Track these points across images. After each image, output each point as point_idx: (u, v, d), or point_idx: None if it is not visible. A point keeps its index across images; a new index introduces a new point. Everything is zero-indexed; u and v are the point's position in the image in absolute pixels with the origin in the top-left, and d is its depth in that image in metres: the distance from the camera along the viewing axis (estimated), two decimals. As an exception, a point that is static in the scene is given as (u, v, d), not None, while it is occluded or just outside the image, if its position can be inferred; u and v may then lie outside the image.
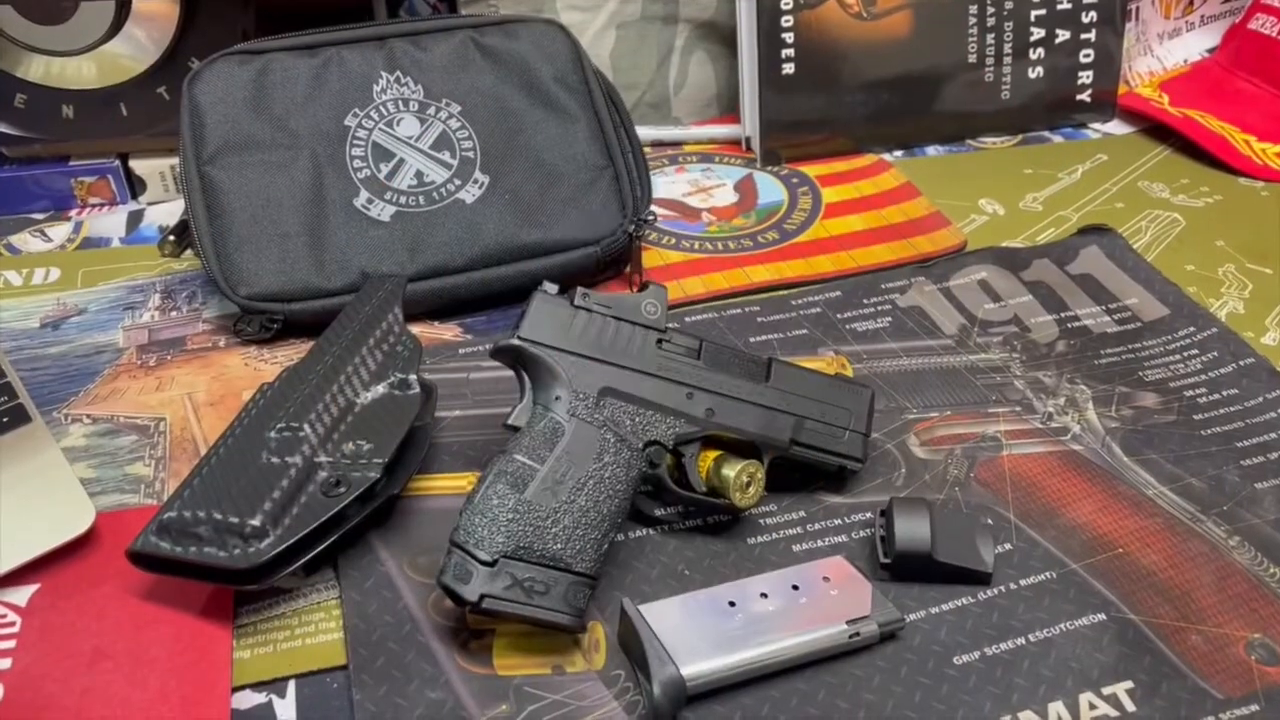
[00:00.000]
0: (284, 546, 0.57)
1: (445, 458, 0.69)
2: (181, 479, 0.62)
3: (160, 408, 0.73)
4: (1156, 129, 1.09)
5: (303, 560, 0.59)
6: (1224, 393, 0.76)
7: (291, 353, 0.78)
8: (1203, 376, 0.77)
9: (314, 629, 0.59)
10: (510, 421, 0.61)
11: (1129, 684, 0.56)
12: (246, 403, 0.66)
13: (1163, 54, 1.20)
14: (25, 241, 0.92)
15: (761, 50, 1.00)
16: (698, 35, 1.07)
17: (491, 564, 0.56)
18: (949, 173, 1.03)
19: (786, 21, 1.00)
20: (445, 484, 0.67)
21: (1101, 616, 0.60)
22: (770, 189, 1.00)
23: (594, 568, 0.58)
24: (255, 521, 0.57)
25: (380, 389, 0.65)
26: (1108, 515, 0.66)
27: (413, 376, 0.66)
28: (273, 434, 0.62)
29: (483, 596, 0.55)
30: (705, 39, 1.07)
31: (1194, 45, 1.22)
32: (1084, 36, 1.08)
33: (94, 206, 0.96)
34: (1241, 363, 0.78)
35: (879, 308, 0.84)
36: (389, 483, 0.62)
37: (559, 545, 0.57)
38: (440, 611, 0.59)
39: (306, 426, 0.62)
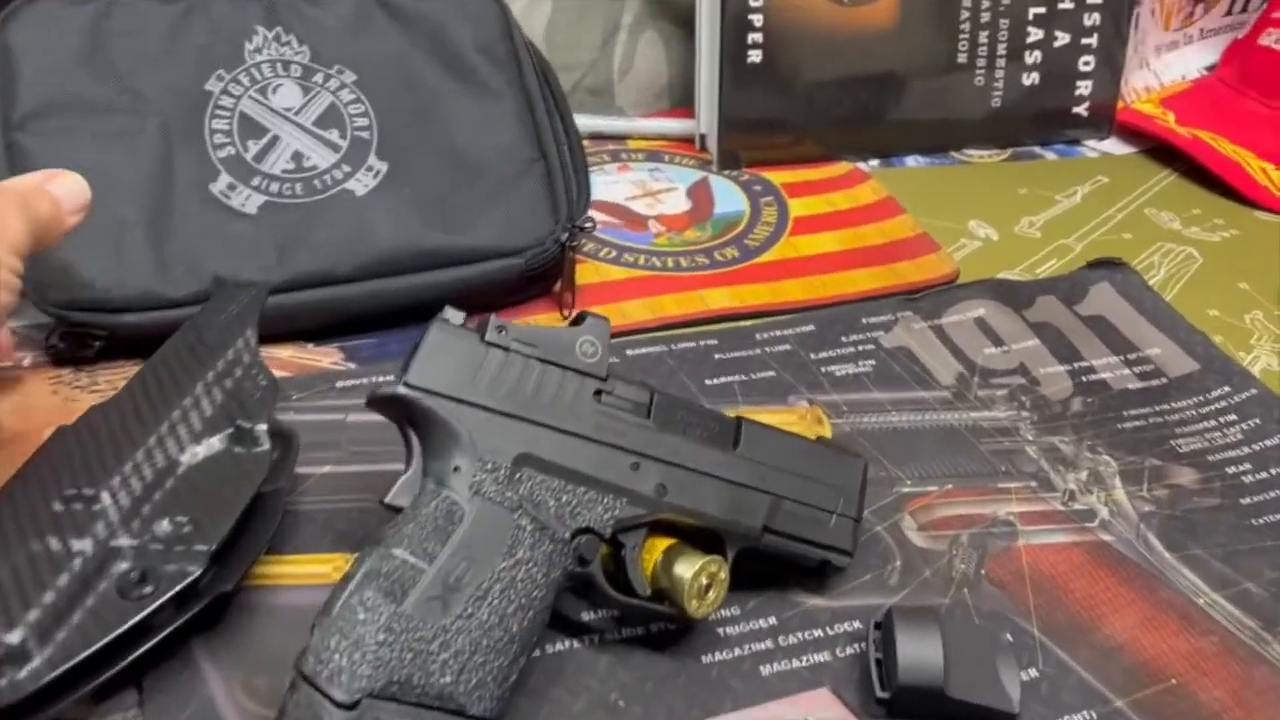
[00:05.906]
0: (55, 674, 0.41)
1: (306, 532, 0.53)
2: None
3: (-70, 447, 0.56)
4: (1159, 150, 0.97)
5: (90, 687, 0.42)
6: (1272, 471, 0.63)
7: (118, 378, 0.61)
8: (1245, 449, 0.64)
9: (101, 782, 0.43)
10: (390, 500, 0.45)
11: None
12: (33, 454, 0.49)
13: (1159, 68, 1.09)
14: None
15: (724, 34, 0.87)
16: (649, 12, 0.95)
17: (351, 707, 0.40)
18: (932, 188, 0.90)
19: (755, 2, 0.86)
20: (304, 569, 0.51)
21: (1160, 777, 0.46)
22: (729, 196, 0.85)
23: (496, 708, 0.42)
24: (13, 638, 0.41)
25: (216, 443, 0.49)
26: (1152, 631, 0.53)
27: (262, 426, 0.49)
28: (57, 504, 0.45)
29: (335, 756, 0.39)
30: (658, 17, 0.96)
31: (1193, 61, 1.11)
32: (1085, 41, 0.96)
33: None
34: (1289, 434, 0.65)
35: (860, 347, 0.70)
36: (217, 576, 0.46)
37: (448, 679, 0.41)
38: (281, 762, 0.43)
39: (106, 494, 0.46)
